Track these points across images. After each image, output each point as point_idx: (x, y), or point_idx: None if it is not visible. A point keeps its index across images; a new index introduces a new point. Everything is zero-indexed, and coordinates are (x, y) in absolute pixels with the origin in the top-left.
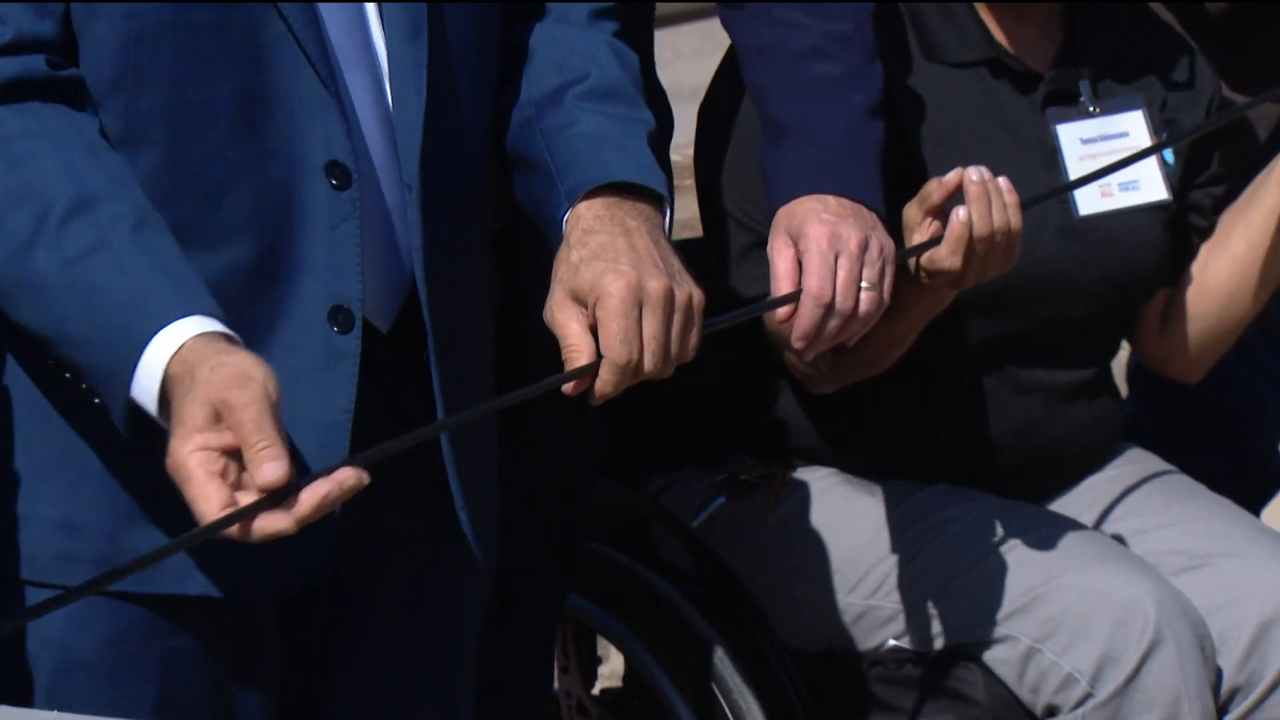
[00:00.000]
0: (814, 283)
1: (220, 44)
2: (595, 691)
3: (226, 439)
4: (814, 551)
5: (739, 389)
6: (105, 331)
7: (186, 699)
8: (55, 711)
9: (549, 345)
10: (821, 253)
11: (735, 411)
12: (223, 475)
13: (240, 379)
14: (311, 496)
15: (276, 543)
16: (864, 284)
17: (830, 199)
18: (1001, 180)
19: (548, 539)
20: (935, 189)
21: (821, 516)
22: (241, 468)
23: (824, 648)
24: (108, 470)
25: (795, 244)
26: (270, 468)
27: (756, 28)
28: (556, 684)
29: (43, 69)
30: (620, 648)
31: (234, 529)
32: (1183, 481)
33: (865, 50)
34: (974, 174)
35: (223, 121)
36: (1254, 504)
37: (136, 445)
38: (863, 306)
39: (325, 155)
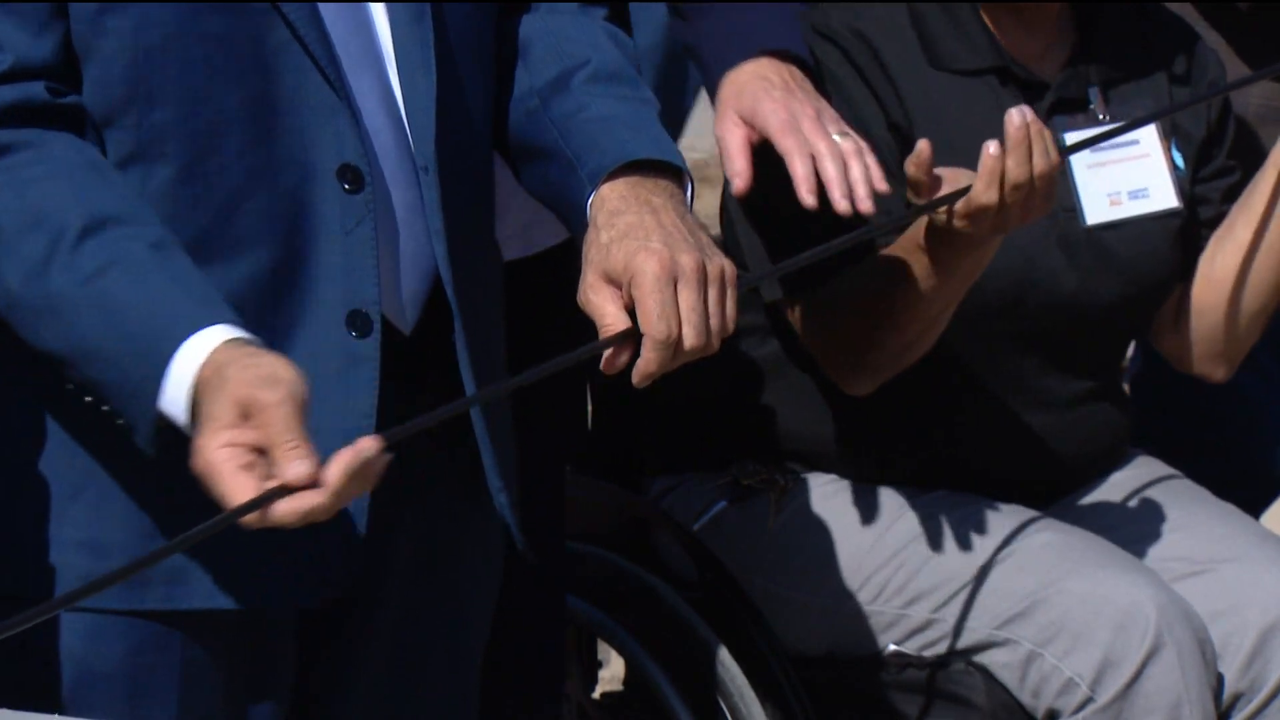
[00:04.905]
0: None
1: (228, 54)
2: (596, 695)
3: (253, 436)
4: (816, 556)
5: (742, 394)
6: (130, 345)
7: (204, 708)
8: (57, 715)
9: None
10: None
11: (739, 416)
12: (249, 470)
13: (269, 379)
14: (337, 467)
15: (304, 554)
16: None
17: (772, 72)
18: (1030, 114)
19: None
20: (924, 148)
21: (824, 522)
22: (269, 465)
23: (825, 652)
24: (133, 488)
25: (746, 123)
26: (298, 465)
27: None
28: None
29: (43, 96)
30: (621, 651)
31: (255, 517)
32: (1186, 486)
33: None
34: (1016, 117)
35: (234, 132)
36: (1256, 511)
37: (161, 461)
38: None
39: (337, 159)
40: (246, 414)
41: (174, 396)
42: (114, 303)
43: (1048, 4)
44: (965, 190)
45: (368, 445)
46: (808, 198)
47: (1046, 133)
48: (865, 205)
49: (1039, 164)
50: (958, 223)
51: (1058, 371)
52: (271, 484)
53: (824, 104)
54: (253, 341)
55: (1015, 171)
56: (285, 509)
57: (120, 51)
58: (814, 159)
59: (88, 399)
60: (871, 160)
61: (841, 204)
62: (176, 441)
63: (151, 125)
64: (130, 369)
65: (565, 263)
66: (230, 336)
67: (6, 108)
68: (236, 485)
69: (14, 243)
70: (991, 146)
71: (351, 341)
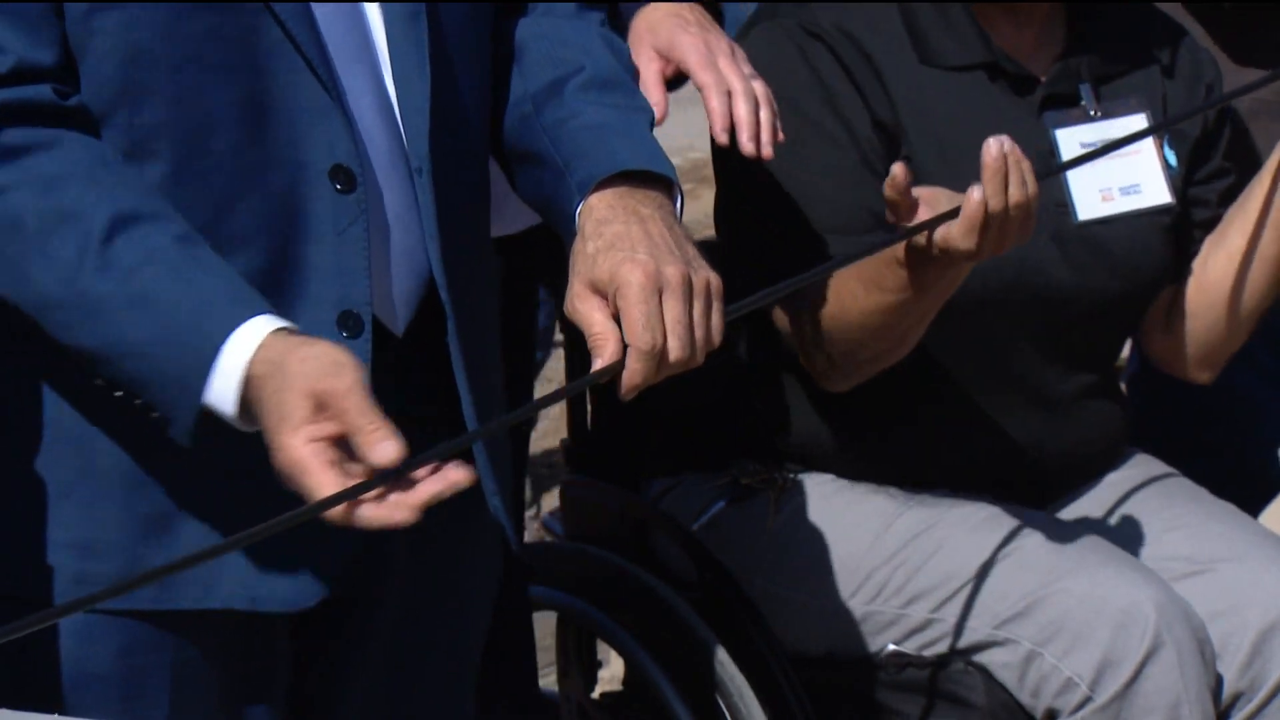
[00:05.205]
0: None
1: (219, 54)
2: (595, 695)
3: (332, 428)
4: (815, 556)
5: (741, 394)
6: (174, 339)
7: (197, 709)
8: (56, 715)
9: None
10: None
11: (737, 416)
12: (335, 466)
13: (334, 367)
14: (426, 492)
15: (297, 557)
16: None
17: (686, 10)
18: (1009, 144)
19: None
20: (900, 171)
21: (822, 521)
22: (346, 457)
23: (824, 652)
24: (125, 488)
25: (662, 57)
26: (385, 447)
27: None
28: (557, 688)
29: (50, 97)
30: (620, 651)
31: (339, 511)
32: (1185, 486)
33: None
34: (993, 146)
35: (226, 131)
36: (1254, 510)
37: (153, 461)
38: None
39: (329, 160)
40: (321, 405)
41: (221, 389)
42: (154, 299)
43: (1040, 1)
44: (947, 215)
45: (459, 477)
46: (721, 135)
47: (1025, 163)
48: (767, 151)
49: (1015, 194)
50: (934, 250)
51: (1054, 368)
52: (352, 481)
53: (735, 44)
54: (297, 330)
55: (991, 201)
56: (371, 514)
57: (110, 51)
58: (729, 96)
59: (117, 393)
60: (776, 109)
61: (748, 146)
62: (171, 441)
63: (143, 124)
64: (173, 364)
65: (547, 241)
66: (275, 327)
67: (13, 108)
68: (325, 481)
69: (41, 243)
70: (975, 192)
71: (342, 342)
